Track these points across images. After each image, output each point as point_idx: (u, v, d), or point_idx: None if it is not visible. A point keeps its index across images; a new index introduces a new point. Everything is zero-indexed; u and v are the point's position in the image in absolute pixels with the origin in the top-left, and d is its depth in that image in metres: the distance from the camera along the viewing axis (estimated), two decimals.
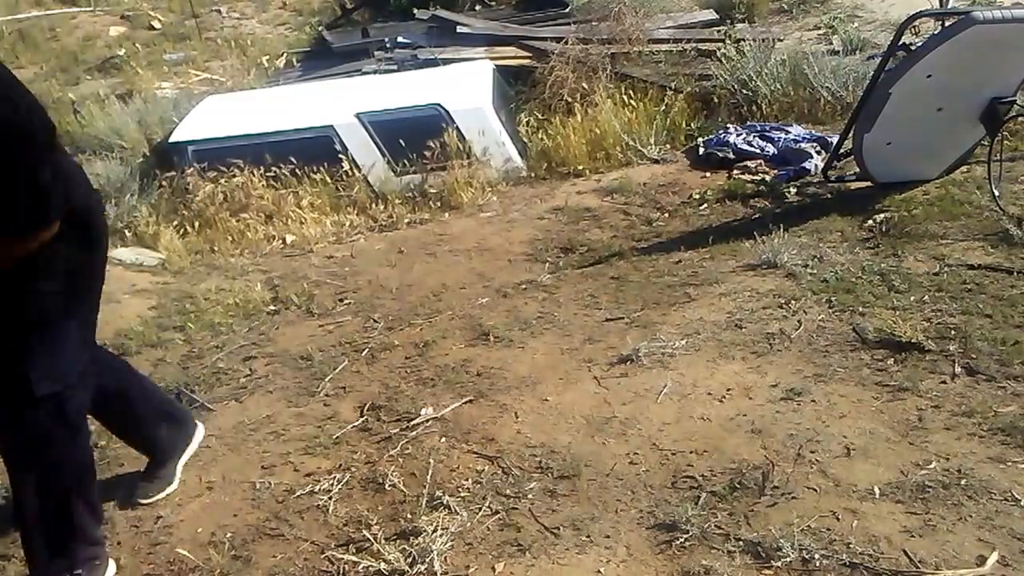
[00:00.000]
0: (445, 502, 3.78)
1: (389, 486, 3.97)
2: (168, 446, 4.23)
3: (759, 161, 7.46)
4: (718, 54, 9.34)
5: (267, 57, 12.50)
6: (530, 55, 9.98)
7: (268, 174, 8.01)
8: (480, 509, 3.73)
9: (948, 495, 3.41)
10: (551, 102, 9.09)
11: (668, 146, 8.30)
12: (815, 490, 3.54)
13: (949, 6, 6.25)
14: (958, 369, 4.20)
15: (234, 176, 7.97)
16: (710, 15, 11.16)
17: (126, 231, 7.79)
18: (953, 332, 4.49)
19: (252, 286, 6.50)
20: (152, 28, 14.73)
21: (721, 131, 8.06)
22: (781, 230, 5.85)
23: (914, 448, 3.72)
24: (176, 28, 14.56)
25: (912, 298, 4.91)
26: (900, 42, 6.06)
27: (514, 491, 3.83)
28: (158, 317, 6.22)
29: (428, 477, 3.99)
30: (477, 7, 12.85)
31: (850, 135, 6.33)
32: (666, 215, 6.92)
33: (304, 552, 3.68)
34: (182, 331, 5.98)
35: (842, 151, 6.61)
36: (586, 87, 9.05)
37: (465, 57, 9.95)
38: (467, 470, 4.03)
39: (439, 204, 7.88)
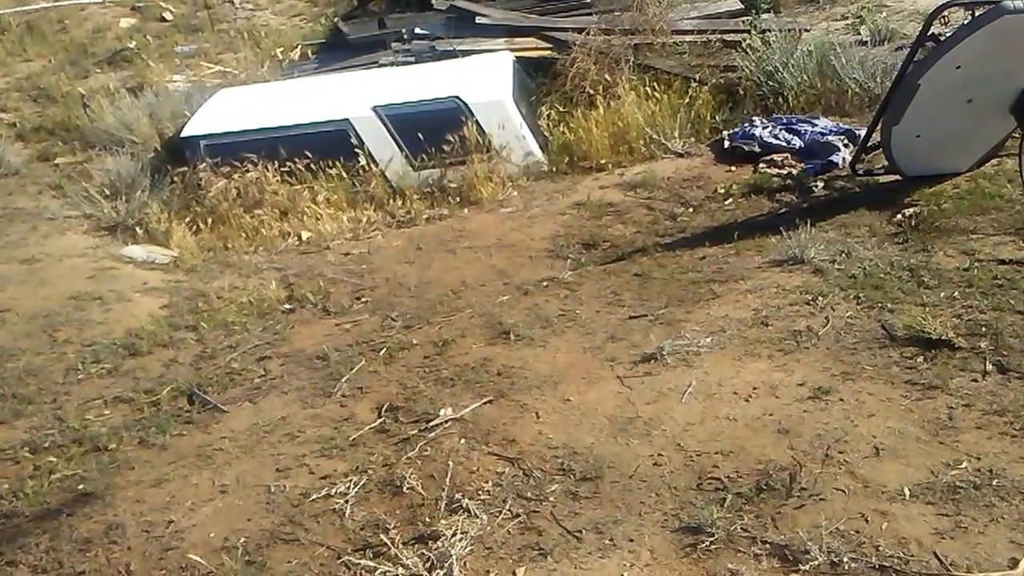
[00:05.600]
0: (464, 505, 3.75)
1: (407, 489, 3.93)
2: None
3: (785, 154, 7.37)
4: (743, 45, 9.23)
5: (281, 49, 12.42)
6: (551, 46, 9.91)
7: (283, 169, 7.97)
8: (500, 512, 3.70)
9: (979, 496, 3.37)
10: (573, 94, 9.01)
11: (692, 139, 8.21)
12: (843, 491, 3.51)
13: None
14: (989, 367, 4.13)
15: (248, 171, 7.92)
16: (735, 5, 11.05)
17: (137, 228, 7.75)
18: (984, 329, 4.41)
19: (267, 284, 6.46)
20: (163, 20, 14.67)
21: (746, 124, 7.98)
22: (808, 225, 5.77)
23: (944, 448, 3.67)
24: (188, 20, 14.52)
25: (942, 294, 4.82)
26: (929, 32, 5.98)
27: (535, 493, 3.78)
28: (170, 316, 6.19)
29: (447, 479, 3.94)
30: None
31: (878, 128, 6.25)
32: (690, 210, 6.85)
33: (320, 557, 3.64)
34: (195, 330, 5.96)
35: (870, 144, 6.53)
36: (608, 79, 8.97)
37: (484, 48, 9.90)
38: (487, 472, 3.99)
39: (458, 199, 7.82)
